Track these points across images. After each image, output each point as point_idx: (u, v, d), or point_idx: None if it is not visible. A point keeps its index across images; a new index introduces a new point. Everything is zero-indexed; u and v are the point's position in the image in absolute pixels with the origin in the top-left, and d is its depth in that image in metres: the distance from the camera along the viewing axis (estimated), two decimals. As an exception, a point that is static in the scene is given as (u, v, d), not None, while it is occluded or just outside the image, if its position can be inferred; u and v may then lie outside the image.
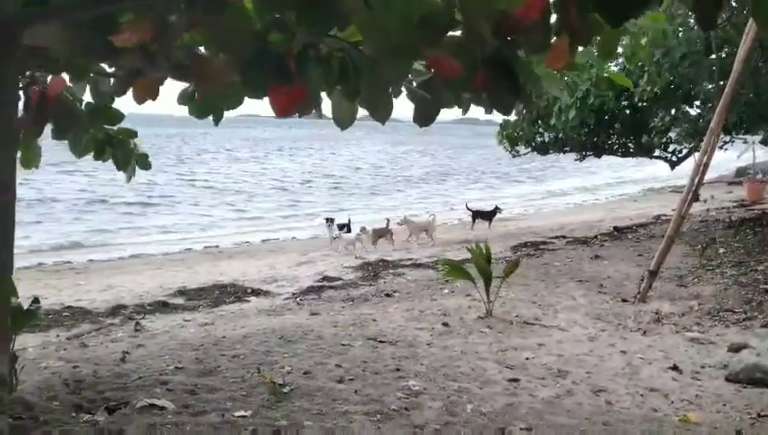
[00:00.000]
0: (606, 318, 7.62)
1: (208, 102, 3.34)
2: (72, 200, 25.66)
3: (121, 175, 5.66)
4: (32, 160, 4.77)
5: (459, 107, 3.06)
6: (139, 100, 3.23)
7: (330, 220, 15.37)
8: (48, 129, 4.39)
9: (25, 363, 5.45)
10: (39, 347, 6.71)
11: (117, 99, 3.94)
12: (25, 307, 4.70)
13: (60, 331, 7.67)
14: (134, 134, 5.48)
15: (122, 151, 5.43)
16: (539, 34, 2.41)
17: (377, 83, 2.67)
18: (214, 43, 2.73)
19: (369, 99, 2.75)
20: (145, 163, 5.73)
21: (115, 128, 5.22)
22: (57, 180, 30.85)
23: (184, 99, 3.33)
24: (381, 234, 15.35)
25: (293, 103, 2.80)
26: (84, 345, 6.79)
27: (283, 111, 2.81)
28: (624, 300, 8.44)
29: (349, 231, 15.63)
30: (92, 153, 5.19)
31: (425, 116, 2.92)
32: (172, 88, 3.62)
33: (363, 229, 15.21)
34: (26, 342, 6.54)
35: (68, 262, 14.89)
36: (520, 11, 2.33)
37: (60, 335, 7.46)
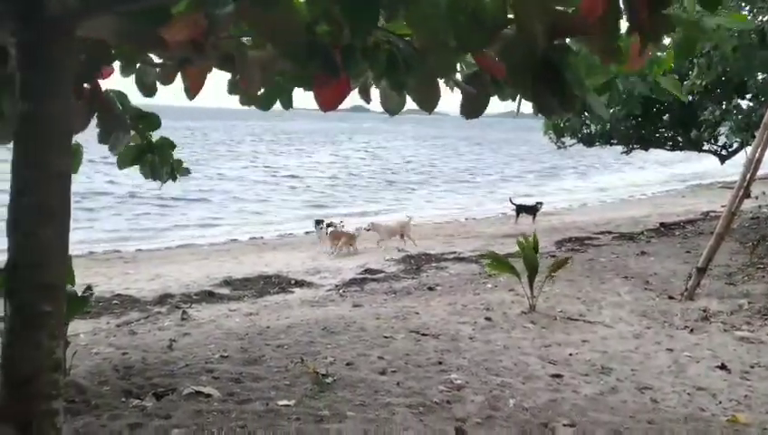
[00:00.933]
0: (652, 315, 7.49)
1: (269, 94, 3.37)
2: (116, 193, 26.06)
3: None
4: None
5: (502, 99, 3.03)
6: (193, 94, 3.29)
7: (319, 222, 15.17)
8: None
9: (78, 349, 5.61)
10: (90, 333, 6.89)
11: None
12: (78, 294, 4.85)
13: (110, 318, 7.86)
14: (173, 144, 5.59)
15: (161, 158, 5.54)
16: (603, 36, 2.32)
17: (425, 76, 2.67)
18: (262, 34, 2.75)
19: (416, 90, 2.75)
20: (181, 170, 5.84)
21: (153, 135, 5.36)
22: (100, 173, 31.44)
23: (233, 88, 3.37)
24: (337, 236, 14.18)
25: (339, 97, 2.82)
26: (133, 332, 6.96)
27: (328, 104, 2.83)
28: (671, 297, 8.28)
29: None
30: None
31: (472, 109, 2.90)
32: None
33: (321, 226, 14.65)
34: (78, 328, 6.71)
35: (117, 251, 15.23)
36: (581, 10, 2.26)
37: (110, 322, 7.64)
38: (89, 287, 4.99)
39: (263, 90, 3.41)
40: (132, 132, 5.26)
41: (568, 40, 2.53)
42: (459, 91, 3.04)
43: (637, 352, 6.16)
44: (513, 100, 3.04)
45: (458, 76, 3.16)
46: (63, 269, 2.17)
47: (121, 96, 5.08)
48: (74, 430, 3.98)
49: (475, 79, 2.99)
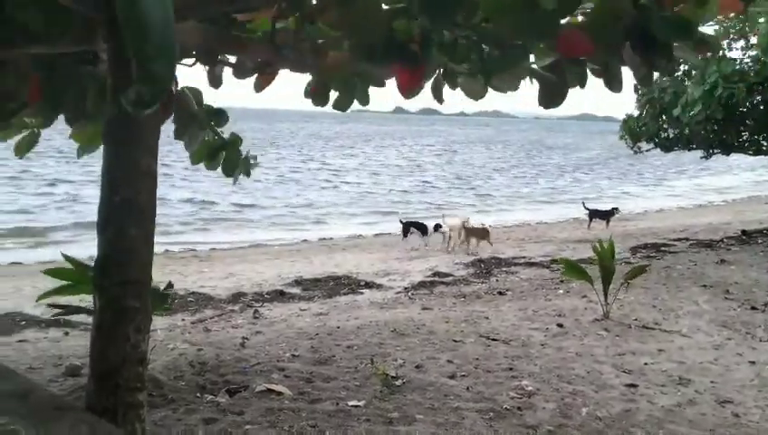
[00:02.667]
0: (733, 326, 7.20)
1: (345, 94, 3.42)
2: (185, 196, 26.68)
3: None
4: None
5: (582, 86, 2.96)
6: (261, 88, 3.36)
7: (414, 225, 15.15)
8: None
9: (155, 344, 5.79)
10: (166, 330, 7.10)
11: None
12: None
13: (185, 315, 8.07)
14: (241, 140, 5.72)
15: (232, 156, 5.66)
16: None
17: (503, 65, 2.64)
18: (344, 29, 2.77)
19: (495, 79, 2.74)
20: (248, 168, 5.96)
21: (224, 133, 5.48)
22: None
23: (308, 92, 3.43)
24: (472, 232, 14.40)
25: (417, 82, 2.83)
26: (207, 330, 7.13)
27: (407, 89, 2.85)
28: (753, 308, 7.94)
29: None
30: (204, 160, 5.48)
31: (551, 98, 2.86)
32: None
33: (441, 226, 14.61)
34: (155, 324, 6.90)
35: (192, 249, 15.64)
36: None
37: (185, 319, 7.85)
38: (170, 284, 5.13)
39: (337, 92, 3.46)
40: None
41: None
42: (526, 91, 3.03)
43: (716, 363, 5.94)
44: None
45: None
46: (149, 266, 2.24)
47: (197, 94, 5.22)
48: (153, 422, 4.10)
49: (552, 68, 2.95)
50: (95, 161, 2.44)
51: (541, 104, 3.04)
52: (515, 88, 3.09)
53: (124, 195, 2.13)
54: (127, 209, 2.13)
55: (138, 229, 2.13)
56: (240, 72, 3.84)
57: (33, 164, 30.58)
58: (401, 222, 15.34)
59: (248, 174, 6.00)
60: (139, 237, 2.14)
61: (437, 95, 3.43)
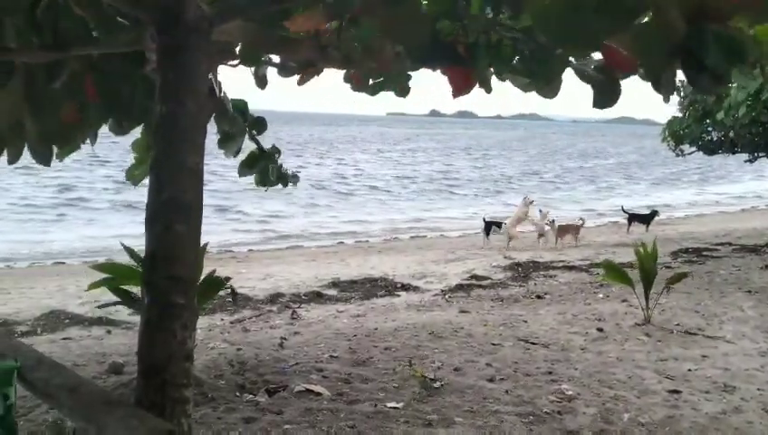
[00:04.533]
0: (780, 332, 7.02)
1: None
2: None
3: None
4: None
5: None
6: (303, 82, 3.39)
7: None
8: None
9: (195, 344, 5.84)
10: (206, 329, 7.17)
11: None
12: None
13: (224, 315, 8.15)
14: (280, 152, 5.79)
15: (271, 166, 5.73)
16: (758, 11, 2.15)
17: (552, 70, 2.62)
18: (389, 32, 2.77)
19: (539, 82, 2.72)
20: (286, 180, 6.02)
21: (265, 142, 5.56)
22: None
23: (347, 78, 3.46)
24: (565, 229, 15.30)
25: (468, 84, 2.83)
26: (246, 330, 7.19)
27: (459, 90, 2.86)
28: (801, 314, 7.74)
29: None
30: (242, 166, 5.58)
31: (605, 99, 2.82)
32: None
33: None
34: (194, 338, 7.01)
35: (229, 250, 15.80)
36: None
37: (224, 319, 7.92)
38: (228, 278, 5.26)
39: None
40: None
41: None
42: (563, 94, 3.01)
43: (763, 370, 5.79)
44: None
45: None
46: (195, 263, 2.27)
47: (241, 104, 5.32)
48: (194, 420, 4.14)
49: (603, 70, 2.91)
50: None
51: (595, 105, 3.00)
52: (556, 93, 3.06)
53: (171, 193, 2.16)
54: (174, 206, 2.16)
55: (184, 226, 2.16)
56: (284, 72, 3.88)
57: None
58: (484, 220, 16.05)
59: (285, 184, 6.08)
60: (186, 235, 2.17)
61: (486, 85, 3.41)
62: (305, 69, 3.56)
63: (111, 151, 35.27)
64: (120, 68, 3.20)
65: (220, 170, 28.23)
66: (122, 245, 4.99)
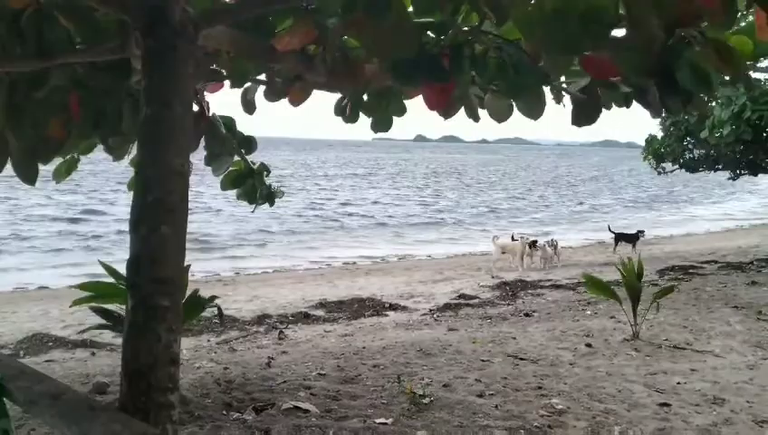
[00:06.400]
0: (767, 346, 7.03)
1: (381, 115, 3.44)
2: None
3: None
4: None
5: (618, 105, 2.95)
6: (295, 102, 3.37)
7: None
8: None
9: (181, 363, 5.77)
10: (192, 350, 7.09)
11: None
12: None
13: (210, 336, 8.07)
14: (268, 170, 5.79)
15: (258, 183, 5.72)
16: (724, 16, 2.18)
17: (535, 81, 2.63)
18: (372, 46, 2.77)
19: (524, 98, 2.72)
20: (279, 193, 6.02)
21: (253, 162, 5.55)
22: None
23: (338, 109, 3.45)
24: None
25: (445, 98, 2.82)
26: (233, 350, 7.12)
27: (435, 105, 2.84)
28: (788, 328, 7.76)
29: None
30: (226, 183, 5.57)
31: (584, 116, 2.84)
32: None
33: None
34: (181, 344, 6.92)
35: (216, 274, 15.69)
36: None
37: (210, 340, 7.84)
38: (214, 297, 5.19)
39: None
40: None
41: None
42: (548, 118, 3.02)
43: (752, 383, 5.79)
44: (628, 105, 2.95)
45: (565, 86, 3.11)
46: (181, 265, 2.24)
47: (230, 121, 5.33)
48: (180, 436, 4.08)
49: (585, 89, 2.93)
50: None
51: (574, 123, 3.00)
52: (540, 113, 3.04)
53: (156, 194, 2.13)
54: (159, 208, 2.14)
55: (170, 228, 2.13)
56: (271, 93, 3.87)
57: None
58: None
59: (272, 203, 6.06)
60: (172, 236, 2.14)
61: (474, 115, 3.42)
62: (292, 84, 3.56)
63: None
64: (105, 82, 3.18)
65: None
66: (101, 262, 4.93)
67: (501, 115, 3.06)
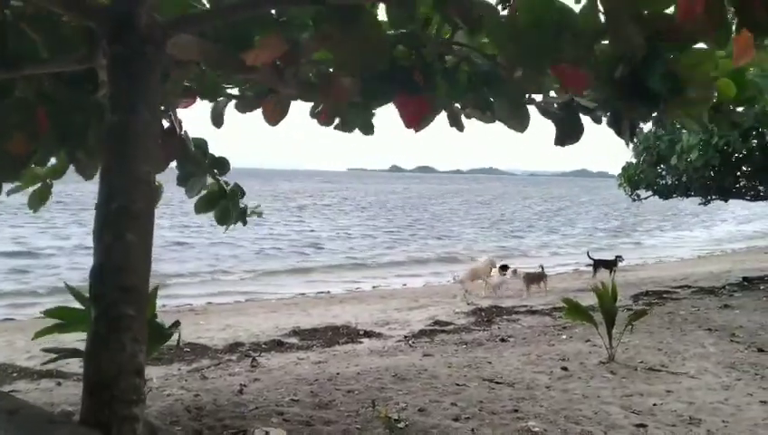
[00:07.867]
0: (741, 367, 7.05)
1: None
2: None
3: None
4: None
5: (597, 123, 2.95)
6: (271, 120, 3.32)
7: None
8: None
9: (150, 390, 5.63)
10: (162, 378, 6.93)
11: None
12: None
13: (181, 365, 7.90)
14: (243, 192, 5.73)
15: (232, 205, 5.66)
16: (716, 35, 2.18)
17: (512, 94, 2.62)
18: (342, 58, 2.75)
19: (502, 110, 2.71)
20: (256, 213, 5.96)
21: (225, 182, 5.49)
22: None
23: (314, 114, 3.41)
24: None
25: (421, 115, 2.79)
26: (204, 377, 6.97)
27: (411, 122, 2.81)
28: (761, 350, 7.80)
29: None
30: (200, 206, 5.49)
31: (566, 135, 2.84)
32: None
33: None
34: (150, 373, 6.76)
35: (188, 304, 15.43)
36: (680, 13, 2.14)
37: (181, 368, 7.67)
38: (177, 322, 5.03)
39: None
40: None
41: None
42: (521, 149, 3.01)
43: (727, 403, 5.79)
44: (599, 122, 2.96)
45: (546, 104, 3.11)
46: (147, 273, 2.16)
47: (202, 143, 5.27)
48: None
49: (565, 107, 2.93)
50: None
51: (556, 143, 2.99)
52: (524, 126, 3.02)
53: (121, 202, 2.07)
54: (124, 216, 2.07)
55: (135, 236, 2.07)
56: (242, 105, 3.82)
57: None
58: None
59: (244, 223, 5.98)
60: (137, 244, 2.07)
61: (457, 124, 3.39)
62: (263, 98, 3.52)
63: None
64: (71, 96, 3.12)
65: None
66: (65, 284, 4.80)
67: (487, 118, 3.03)
